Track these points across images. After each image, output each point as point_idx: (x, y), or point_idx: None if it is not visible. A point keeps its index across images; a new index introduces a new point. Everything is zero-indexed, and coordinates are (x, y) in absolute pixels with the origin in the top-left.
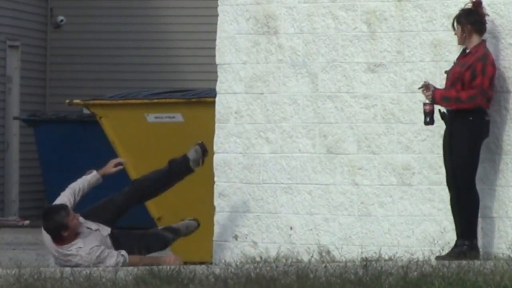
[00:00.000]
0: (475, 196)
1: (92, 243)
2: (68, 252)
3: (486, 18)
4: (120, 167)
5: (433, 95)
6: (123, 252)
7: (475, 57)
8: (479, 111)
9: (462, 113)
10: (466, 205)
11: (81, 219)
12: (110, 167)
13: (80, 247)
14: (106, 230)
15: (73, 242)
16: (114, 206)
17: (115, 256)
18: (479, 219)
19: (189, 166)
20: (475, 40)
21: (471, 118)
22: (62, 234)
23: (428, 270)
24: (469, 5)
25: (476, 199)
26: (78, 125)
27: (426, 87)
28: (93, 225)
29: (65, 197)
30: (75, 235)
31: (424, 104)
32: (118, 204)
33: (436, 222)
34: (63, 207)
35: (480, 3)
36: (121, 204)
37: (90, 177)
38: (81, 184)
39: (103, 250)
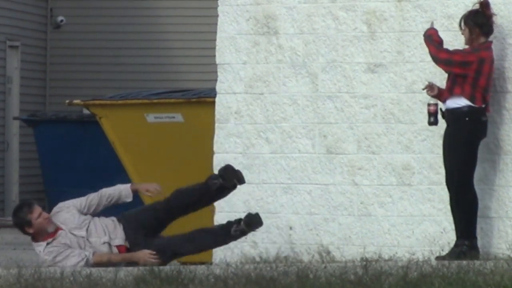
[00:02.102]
0: (473, 196)
1: (54, 244)
2: (36, 250)
3: (494, 18)
4: (152, 194)
5: (426, 33)
6: (87, 252)
7: None
8: (476, 111)
9: (459, 114)
10: (464, 205)
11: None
12: (144, 187)
13: (41, 250)
14: (107, 238)
15: (40, 242)
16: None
17: (76, 256)
18: (479, 219)
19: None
20: (482, 41)
21: (467, 119)
22: (27, 230)
23: (428, 270)
24: (477, 6)
25: (474, 199)
26: (78, 125)
27: (430, 87)
28: (82, 233)
29: (80, 199)
30: (47, 235)
31: (428, 104)
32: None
33: (436, 222)
34: (27, 204)
35: (487, 3)
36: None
37: (123, 187)
38: (112, 191)
39: (62, 252)
